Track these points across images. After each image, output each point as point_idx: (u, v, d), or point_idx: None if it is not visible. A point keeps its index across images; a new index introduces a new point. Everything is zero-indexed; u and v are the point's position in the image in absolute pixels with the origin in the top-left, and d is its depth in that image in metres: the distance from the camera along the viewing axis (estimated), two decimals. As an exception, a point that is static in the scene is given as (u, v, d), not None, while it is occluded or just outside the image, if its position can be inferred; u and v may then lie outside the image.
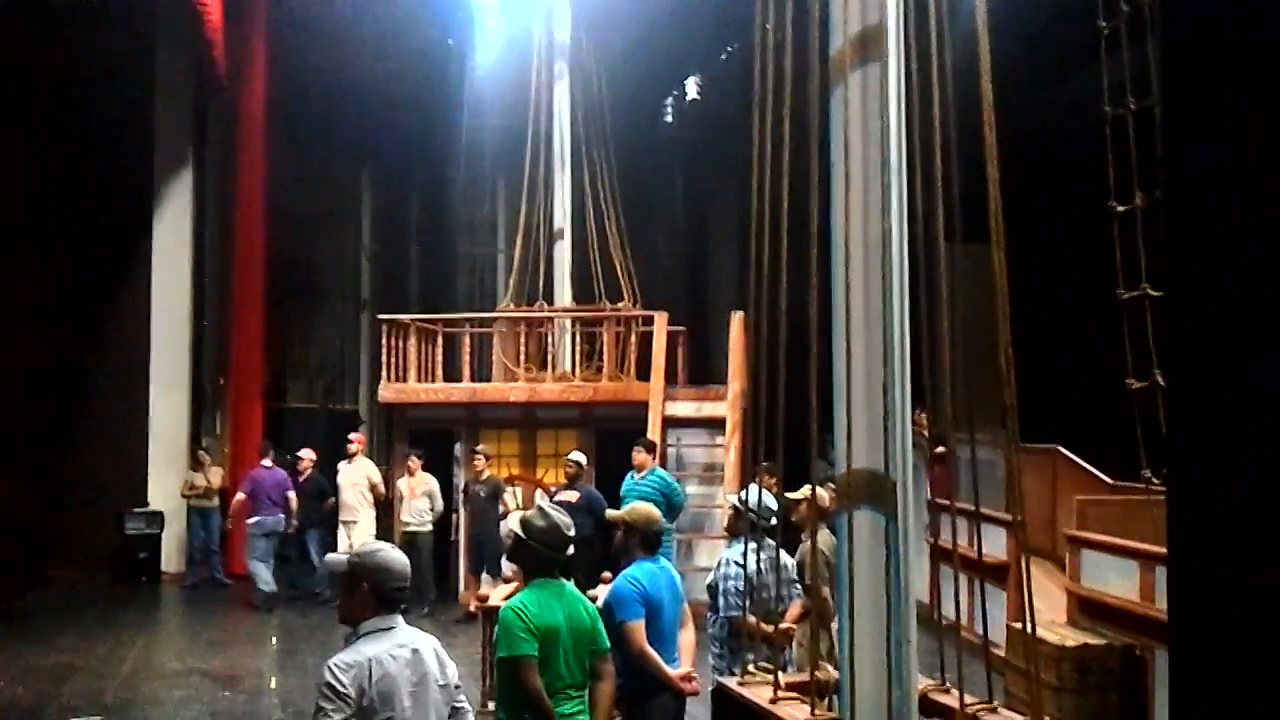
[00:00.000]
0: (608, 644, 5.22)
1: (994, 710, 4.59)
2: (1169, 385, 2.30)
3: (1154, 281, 7.20)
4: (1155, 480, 7.18)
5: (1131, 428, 7.23)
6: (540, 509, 5.29)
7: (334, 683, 3.95)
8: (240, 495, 15.24)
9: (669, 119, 25.52)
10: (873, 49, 4.62)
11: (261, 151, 18.37)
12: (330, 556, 4.49)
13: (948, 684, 4.79)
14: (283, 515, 14.92)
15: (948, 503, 5.15)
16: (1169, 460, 2.41)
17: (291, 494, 15.07)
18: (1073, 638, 9.34)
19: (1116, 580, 9.49)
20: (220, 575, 16.41)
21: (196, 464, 16.71)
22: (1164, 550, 8.08)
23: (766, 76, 5.15)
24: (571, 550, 5.20)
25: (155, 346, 17.36)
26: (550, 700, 4.86)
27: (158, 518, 16.78)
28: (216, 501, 16.64)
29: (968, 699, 4.47)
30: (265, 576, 14.62)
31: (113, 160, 17.00)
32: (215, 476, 16.79)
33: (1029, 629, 4.56)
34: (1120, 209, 7.44)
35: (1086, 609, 9.92)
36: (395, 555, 4.32)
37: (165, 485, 16.93)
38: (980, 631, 6.35)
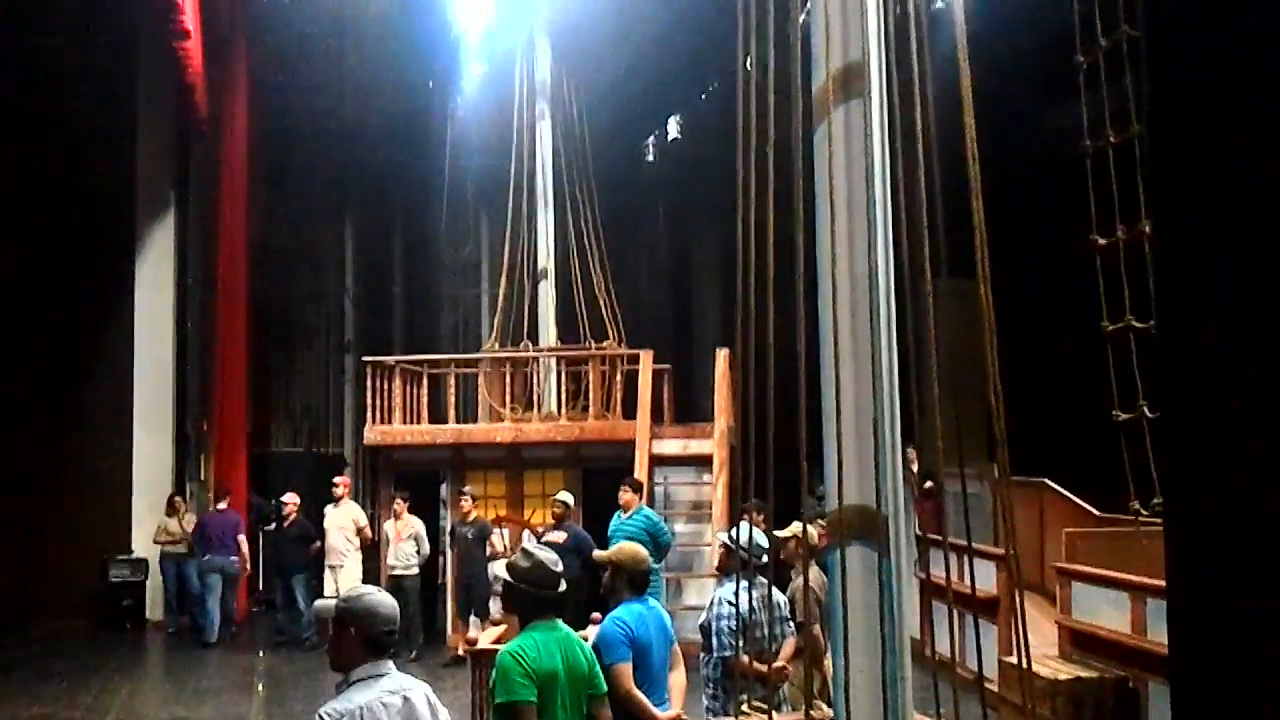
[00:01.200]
0: (605, 688, 5.17)
1: (990, 747, 4.56)
2: (1160, 416, 2.29)
3: (1137, 313, 7.23)
4: (1144, 512, 7.19)
5: (1118, 459, 7.25)
6: (524, 550, 5.26)
7: None
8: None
9: (651, 158, 25.65)
10: (855, 85, 4.64)
11: (244, 194, 18.35)
12: (318, 603, 4.43)
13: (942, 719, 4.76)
14: (234, 557, 15.55)
15: (937, 538, 5.12)
16: (1165, 492, 2.39)
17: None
18: (1065, 671, 9.31)
19: (1108, 612, 9.47)
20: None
21: (171, 509, 16.57)
22: (1155, 582, 8.10)
23: (749, 113, 5.16)
24: (564, 587, 5.15)
25: (138, 392, 17.27)
26: (547, 746, 4.81)
27: (142, 565, 16.63)
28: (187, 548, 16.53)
29: (963, 736, 4.43)
30: (210, 616, 15.25)
31: (94, 204, 16.98)
32: (190, 523, 16.67)
33: (1024, 663, 4.54)
34: (1102, 242, 7.48)
35: (1078, 642, 9.89)
36: (383, 599, 4.27)
37: (149, 532, 16.77)
38: (972, 666, 6.31)
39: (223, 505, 15.92)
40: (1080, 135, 7.72)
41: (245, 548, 15.59)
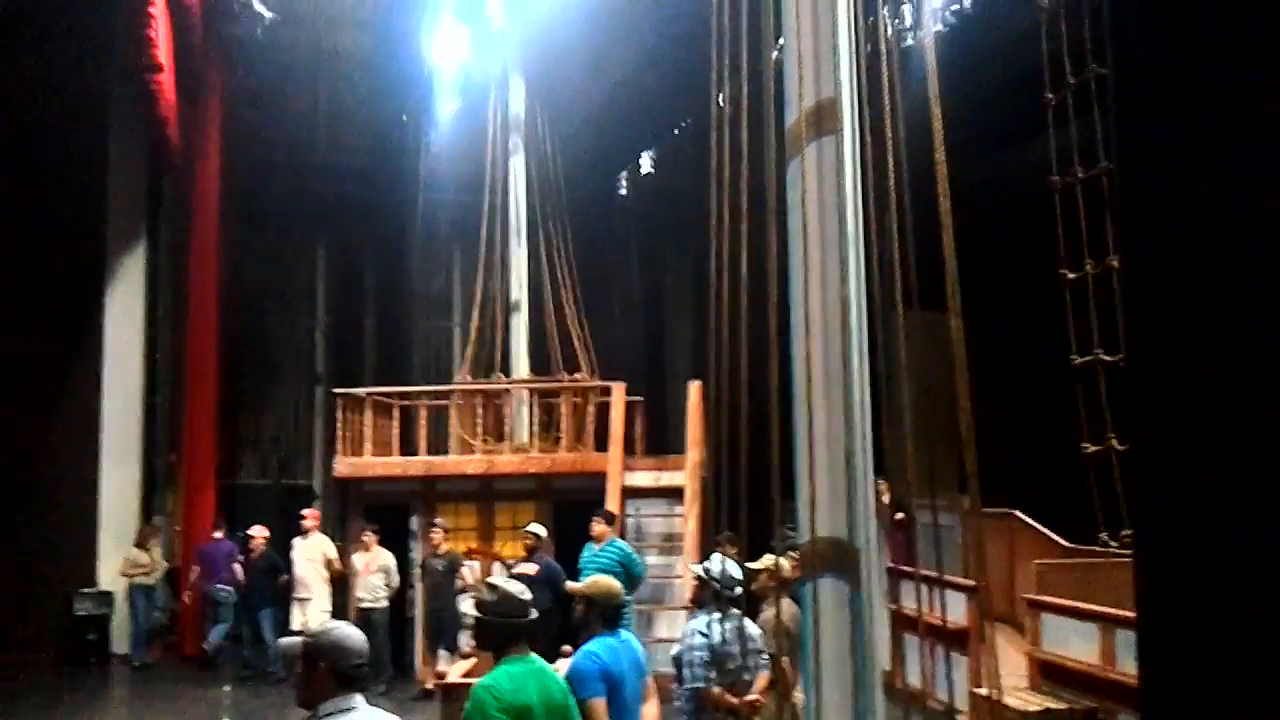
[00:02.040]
0: (579, 720, 5.17)
1: (962, 778, 4.57)
2: (1129, 448, 2.32)
3: (1106, 347, 7.33)
4: (1113, 543, 7.27)
5: (1087, 491, 7.33)
6: (488, 584, 5.26)
7: None
8: (195, 568, 15.81)
9: (624, 192, 25.75)
10: (828, 122, 4.70)
11: (215, 226, 18.30)
12: (283, 641, 4.39)
13: (915, 753, 4.77)
14: (230, 587, 15.55)
15: (908, 569, 5.15)
16: (1134, 523, 2.42)
17: (237, 565, 15.59)
18: (1035, 702, 9.33)
19: (1077, 644, 9.51)
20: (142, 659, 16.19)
21: (139, 541, 16.44)
22: (1124, 613, 8.15)
23: (722, 149, 5.21)
24: (534, 614, 5.15)
25: (106, 423, 17.13)
26: (522, 779, 4.79)
27: (107, 598, 16.45)
28: (156, 580, 16.39)
29: (935, 768, 4.44)
30: (214, 638, 15.46)
31: (64, 236, 16.86)
32: (157, 555, 16.56)
33: (994, 694, 4.56)
34: (1071, 276, 7.59)
35: (1048, 673, 9.92)
36: (351, 632, 4.24)
37: (115, 564, 16.59)
38: (943, 698, 6.33)
39: (218, 535, 16.14)
40: (1049, 171, 7.85)
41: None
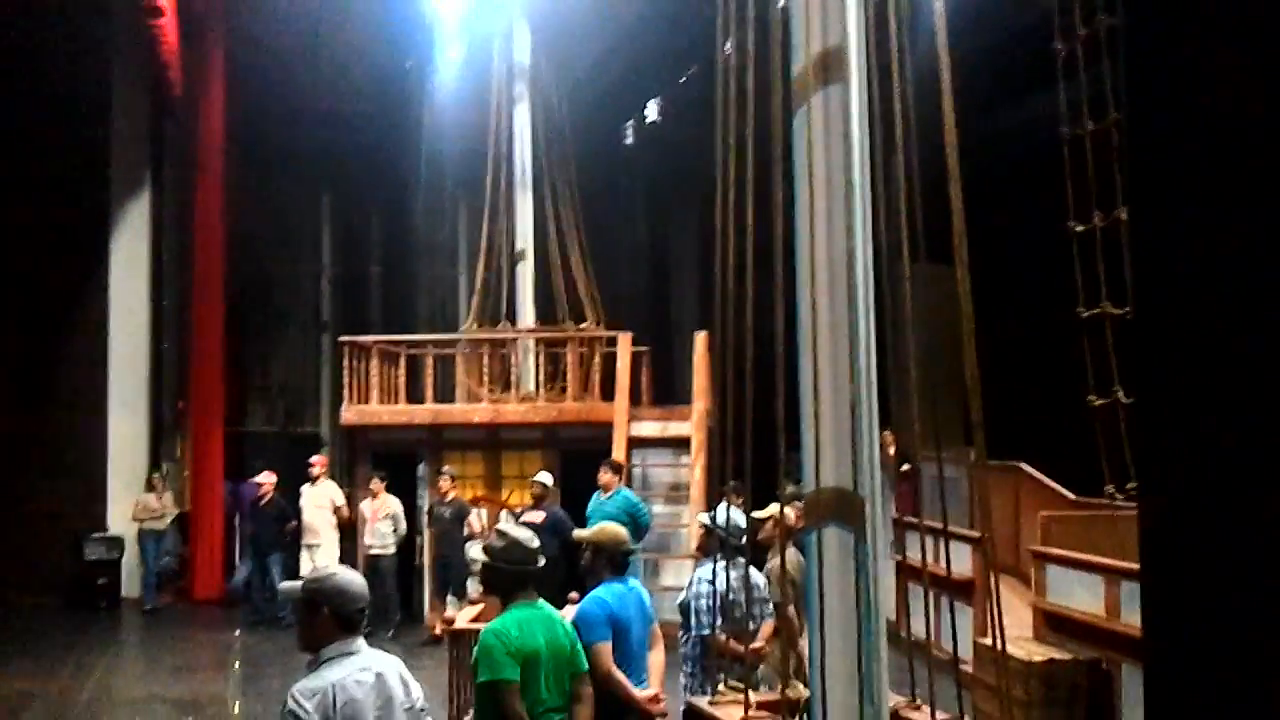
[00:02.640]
0: (586, 665, 5.21)
1: (964, 726, 4.61)
2: (1135, 400, 2.32)
3: (1114, 299, 7.31)
4: (1119, 495, 7.29)
5: (1094, 444, 7.33)
6: (498, 531, 5.29)
7: (297, 710, 3.89)
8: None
9: (630, 141, 25.58)
10: (835, 70, 4.66)
11: (219, 174, 18.21)
12: (284, 585, 4.42)
13: (918, 700, 4.81)
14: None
15: (913, 520, 5.17)
16: (1140, 475, 2.43)
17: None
18: (1039, 653, 9.38)
19: (1082, 595, 9.55)
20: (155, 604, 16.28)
21: (150, 487, 16.55)
22: (1129, 565, 8.18)
23: (729, 97, 5.18)
24: (542, 562, 5.18)
25: (113, 371, 17.18)
26: (531, 724, 4.84)
27: (117, 543, 16.57)
28: (166, 524, 16.50)
29: (938, 715, 4.47)
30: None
31: (68, 185, 16.84)
32: (168, 500, 16.66)
33: (999, 645, 4.59)
34: (1079, 229, 7.55)
35: (1052, 624, 9.97)
36: (352, 576, 4.27)
37: (124, 510, 16.72)
38: (947, 648, 6.37)
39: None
40: (1058, 122, 7.79)
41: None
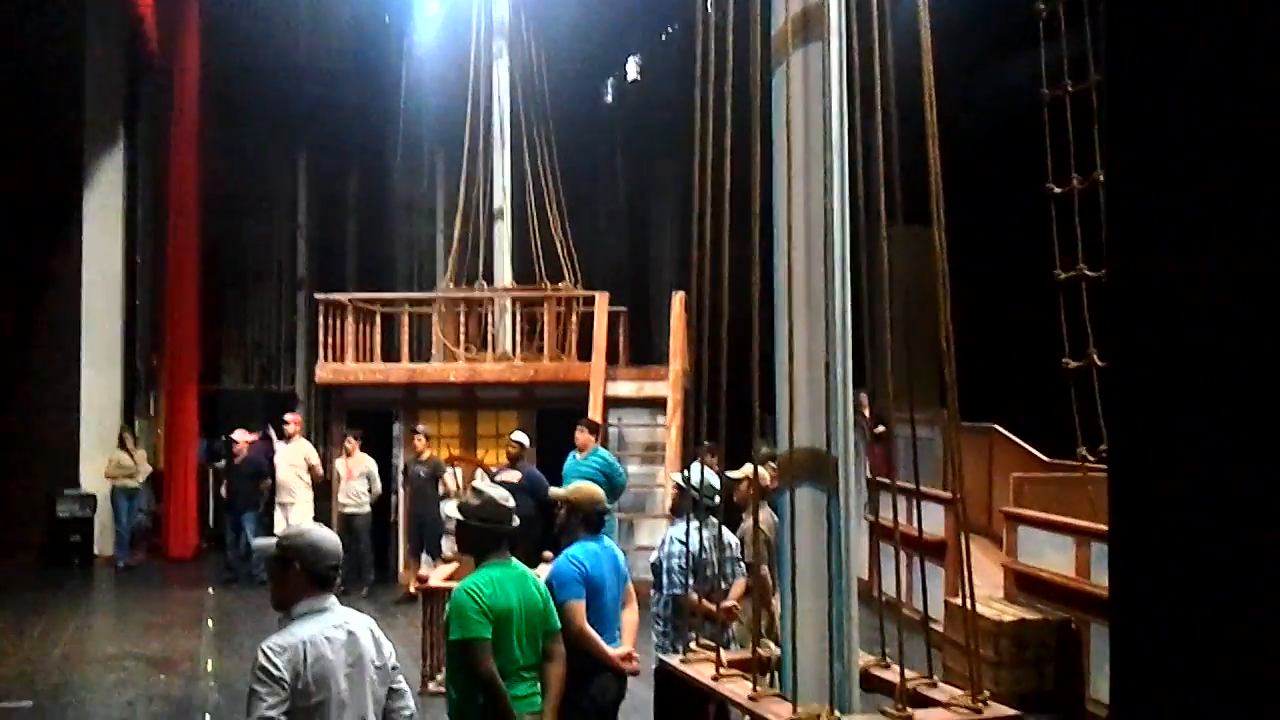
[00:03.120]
0: (559, 624, 5.22)
1: (934, 685, 4.64)
2: (1108, 362, 2.32)
3: (1090, 262, 7.31)
4: (1090, 458, 7.32)
5: (1067, 406, 7.36)
6: (474, 488, 5.29)
7: (268, 665, 3.89)
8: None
9: (609, 99, 25.43)
10: (814, 28, 4.63)
11: (195, 129, 18.01)
12: (258, 542, 4.42)
13: (888, 659, 4.84)
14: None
15: (887, 481, 5.18)
16: (1110, 436, 2.43)
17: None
18: (1010, 613, 9.48)
19: (1052, 556, 9.64)
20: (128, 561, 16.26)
21: (122, 443, 16.48)
22: (1099, 526, 8.24)
23: (708, 55, 5.14)
24: (517, 521, 5.18)
25: (86, 327, 17.05)
26: (503, 682, 4.84)
27: (90, 500, 16.51)
28: (140, 482, 16.45)
29: (908, 674, 4.51)
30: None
31: (41, 142, 16.61)
32: (141, 457, 16.60)
33: (969, 604, 4.61)
34: (1057, 190, 7.54)
35: (1023, 584, 10.07)
36: (325, 534, 4.27)
37: (97, 467, 16.65)
38: (918, 607, 6.42)
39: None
40: (1038, 83, 7.76)
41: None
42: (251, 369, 23.90)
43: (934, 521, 10.31)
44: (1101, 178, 6.55)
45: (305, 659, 3.93)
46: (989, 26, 13.91)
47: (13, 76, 16.04)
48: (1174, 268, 2.10)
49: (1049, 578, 9.62)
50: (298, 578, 4.09)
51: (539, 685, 5.06)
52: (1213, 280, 2.03)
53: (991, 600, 9.76)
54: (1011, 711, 4.48)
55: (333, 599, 4.16)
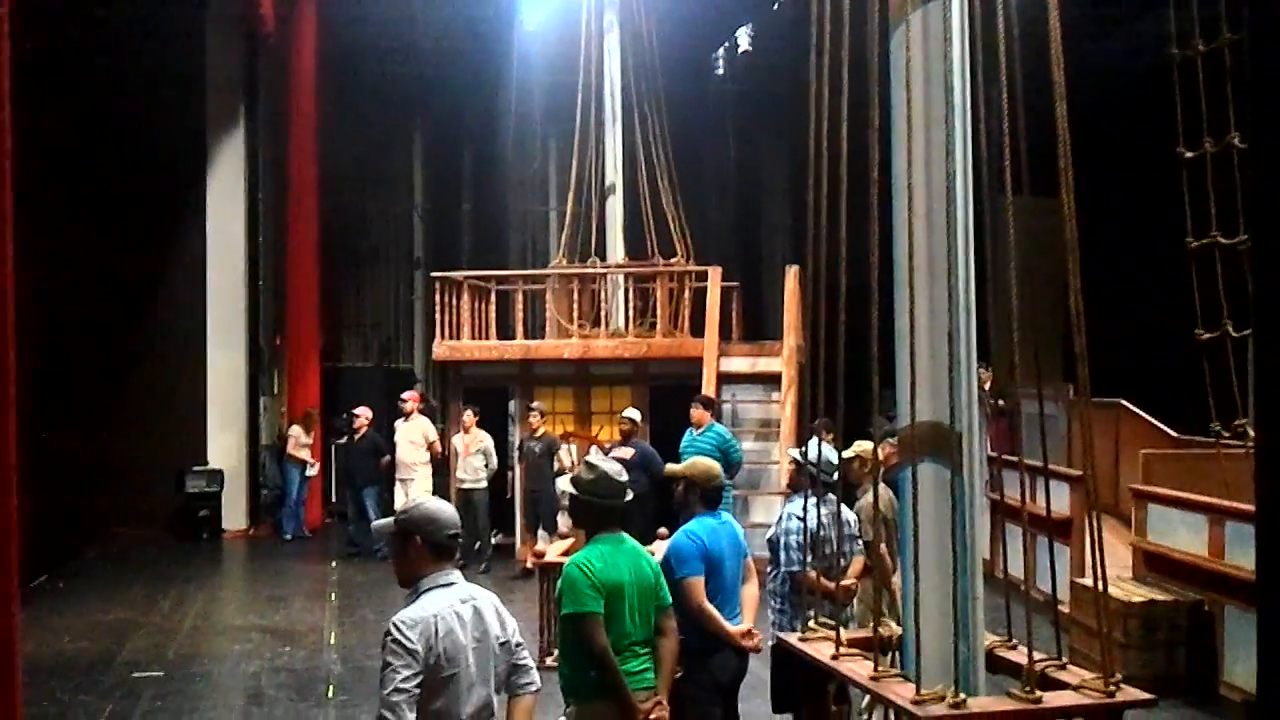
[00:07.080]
0: (671, 599, 5.18)
1: (1062, 667, 4.50)
2: (1254, 334, 2.19)
3: (1223, 229, 7.01)
4: (1225, 433, 7.03)
5: (1199, 379, 7.07)
6: (587, 463, 5.26)
7: (401, 639, 3.90)
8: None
9: (720, 71, 25.26)
10: (934, -12, 4.48)
11: (313, 109, 18.38)
12: (376, 522, 4.44)
13: (1014, 640, 4.70)
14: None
15: (1010, 458, 5.03)
16: (1259, 412, 2.30)
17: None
18: (1139, 594, 9.22)
19: (1184, 535, 9.34)
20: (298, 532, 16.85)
21: (304, 421, 17.40)
22: (1234, 505, 7.93)
23: (823, 18, 5.00)
24: (629, 496, 5.14)
25: (211, 306, 17.46)
26: (616, 657, 4.82)
27: (217, 476, 16.97)
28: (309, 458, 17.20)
29: (1035, 655, 4.37)
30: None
31: (164, 125, 17.05)
32: (315, 436, 17.41)
33: (1099, 585, 4.45)
34: (1189, 155, 7.23)
35: (1152, 564, 9.78)
36: (441, 504, 4.27)
37: (224, 444, 17.13)
38: (1043, 588, 6.25)
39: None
40: (1168, 44, 7.45)
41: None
42: (371, 347, 24.33)
43: (1060, 499, 10.06)
44: (1236, 141, 6.26)
45: (437, 632, 3.95)
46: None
47: (136, 62, 16.44)
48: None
49: (1180, 558, 9.32)
50: (419, 550, 4.11)
51: (651, 661, 5.03)
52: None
53: (1120, 580, 9.49)
54: (1145, 695, 4.31)
55: (456, 572, 4.17)
